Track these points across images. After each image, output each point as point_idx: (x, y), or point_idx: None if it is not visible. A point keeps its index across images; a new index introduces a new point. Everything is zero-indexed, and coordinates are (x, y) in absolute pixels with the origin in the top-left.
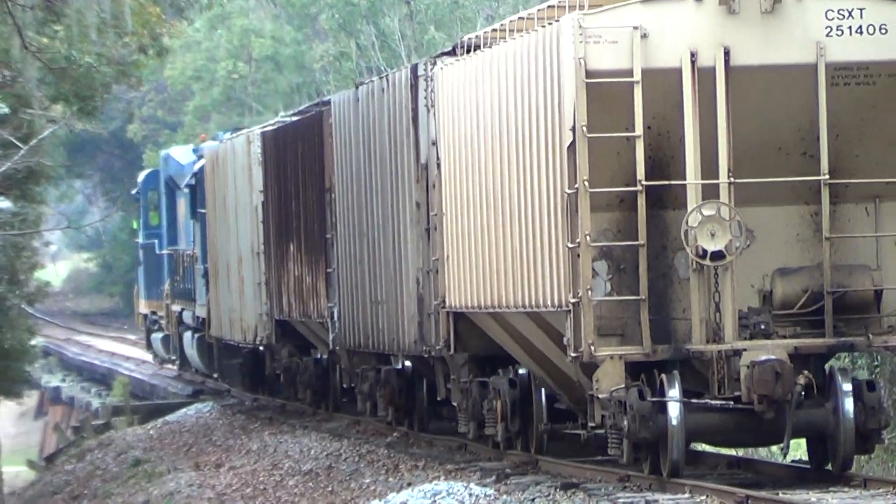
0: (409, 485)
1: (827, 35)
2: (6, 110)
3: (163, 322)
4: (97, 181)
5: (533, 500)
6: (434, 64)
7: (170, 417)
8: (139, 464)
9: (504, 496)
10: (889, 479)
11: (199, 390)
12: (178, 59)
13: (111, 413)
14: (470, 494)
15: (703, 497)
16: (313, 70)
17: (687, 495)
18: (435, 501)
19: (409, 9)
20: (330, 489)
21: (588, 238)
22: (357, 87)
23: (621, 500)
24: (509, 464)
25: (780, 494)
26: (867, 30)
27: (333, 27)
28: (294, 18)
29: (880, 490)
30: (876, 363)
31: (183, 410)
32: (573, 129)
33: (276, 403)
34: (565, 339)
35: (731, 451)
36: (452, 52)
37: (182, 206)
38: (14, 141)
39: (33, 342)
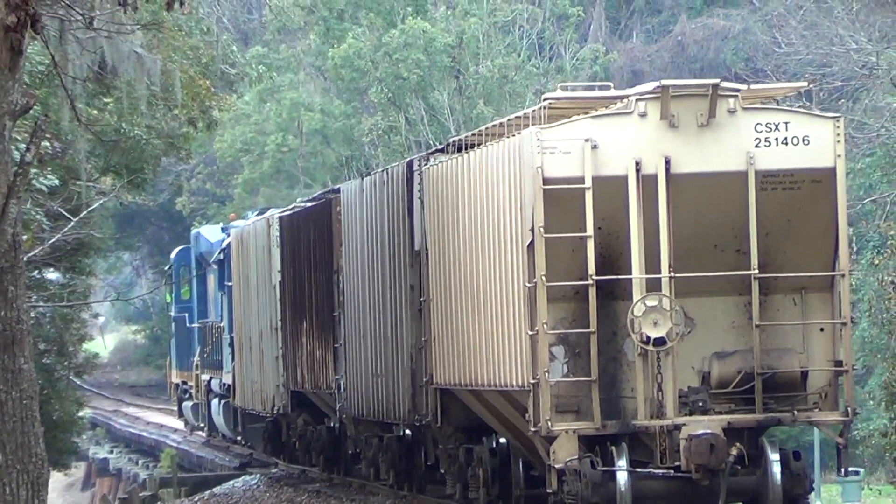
0: None
1: (756, 146)
2: (56, 182)
3: (192, 391)
4: (145, 253)
5: None
6: (427, 161)
7: (217, 489)
8: None
9: None
10: None
11: (247, 463)
12: (227, 132)
13: (158, 485)
14: None
15: None
16: (362, 143)
17: None
18: None
19: (458, 83)
20: None
21: (545, 326)
22: (362, 178)
23: None
24: None
25: None
26: (791, 141)
27: (382, 101)
28: (343, 92)
29: None
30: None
31: (230, 482)
32: (532, 230)
33: (324, 476)
34: (527, 416)
35: None
36: (444, 150)
37: (211, 281)
38: (64, 213)
39: (81, 413)
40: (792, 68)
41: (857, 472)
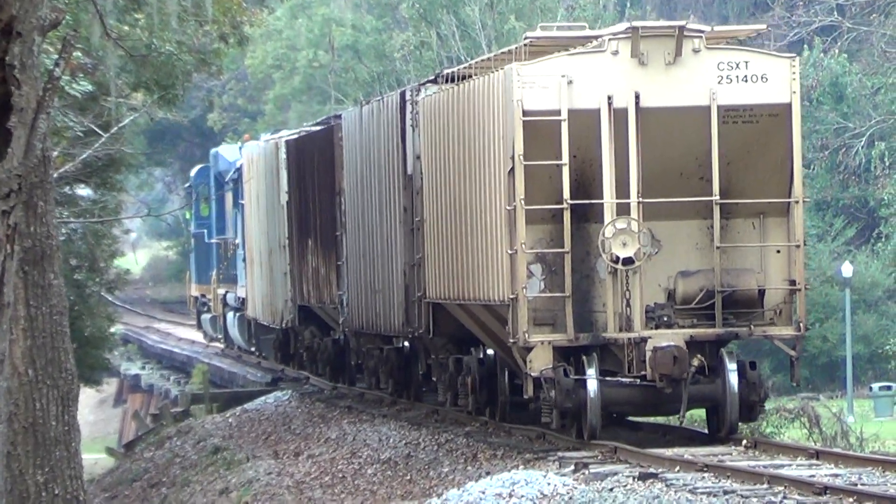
0: (487, 474)
1: (718, 83)
2: (89, 88)
3: (211, 304)
4: (177, 169)
5: (611, 489)
6: (419, 91)
7: (248, 405)
8: (218, 451)
9: (582, 485)
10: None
11: (278, 378)
12: (258, 47)
13: (190, 401)
14: (548, 483)
15: (781, 488)
16: (394, 59)
17: (765, 486)
18: (513, 490)
19: None
20: (408, 478)
21: (524, 246)
22: (361, 106)
23: (700, 491)
24: (588, 453)
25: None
26: (751, 78)
27: (414, 17)
28: (375, 7)
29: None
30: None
31: (262, 398)
32: (512, 157)
33: (356, 392)
34: (506, 328)
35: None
36: (435, 81)
37: (229, 199)
38: (94, 128)
39: (113, 330)
40: None
41: (888, 388)
